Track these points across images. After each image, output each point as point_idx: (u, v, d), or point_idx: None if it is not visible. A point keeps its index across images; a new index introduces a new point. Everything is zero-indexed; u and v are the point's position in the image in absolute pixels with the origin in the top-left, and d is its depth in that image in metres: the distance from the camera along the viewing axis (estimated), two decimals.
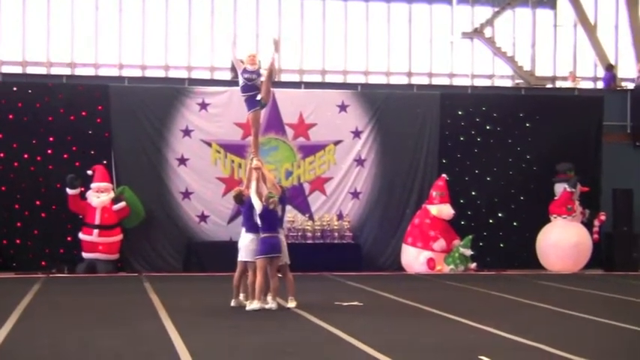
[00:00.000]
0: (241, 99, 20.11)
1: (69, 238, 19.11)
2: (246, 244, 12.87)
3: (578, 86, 25.30)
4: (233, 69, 22.06)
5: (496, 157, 21.02)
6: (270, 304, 12.64)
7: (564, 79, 27.26)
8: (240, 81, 13.35)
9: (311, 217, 19.93)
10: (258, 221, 12.64)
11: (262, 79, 13.26)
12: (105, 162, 19.23)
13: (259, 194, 12.74)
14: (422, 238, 19.66)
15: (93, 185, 18.83)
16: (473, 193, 20.93)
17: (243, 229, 13.04)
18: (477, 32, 26.48)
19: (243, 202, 13.08)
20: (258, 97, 13.26)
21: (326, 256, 19.27)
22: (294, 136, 20.17)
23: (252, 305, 12.47)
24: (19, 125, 19.14)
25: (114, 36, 25.65)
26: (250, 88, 13.29)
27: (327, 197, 20.26)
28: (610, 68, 25.94)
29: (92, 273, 18.44)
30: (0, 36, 25.11)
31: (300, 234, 19.55)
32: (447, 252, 19.69)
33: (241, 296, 13.05)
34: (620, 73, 26.55)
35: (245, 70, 13.28)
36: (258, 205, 12.59)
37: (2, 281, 17.24)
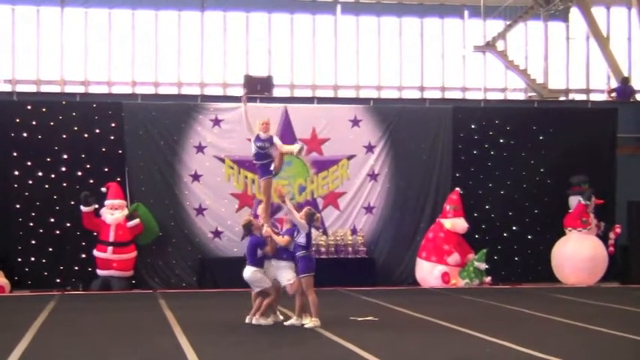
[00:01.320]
0: (253, 114, 20.33)
1: (83, 256, 19.18)
2: (250, 275, 12.90)
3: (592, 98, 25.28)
4: (245, 86, 22.21)
5: (510, 171, 20.99)
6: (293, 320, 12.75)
7: (577, 91, 27.25)
8: (253, 148, 13.41)
9: (325, 232, 19.94)
10: (302, 241, 12.65)
11: (276, 145, 13.24)
12: (119, 179, 19.31)
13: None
14: (436, 252, 19.63)
15: (107, 202, 18.90)
16: (487, 206, 20.90)
17: (248, 263, 13.02)
18: (489, 45, 26.51)
19: (250, 233, 13.04)
20: (271, 168, 13.27)
21: (340, 271, 19.25)
22: (307, 151, 20.19)
23: (314, 323, 12.43)
24: (34, 143, 19.26)
25: (127, 54, 25.81)
26: (263, 156, 13.39)
27: (341, 212, 20.28)
28: (625, 81, 25.91)
29: (107, 290, 18.49)
30: (14, 55, 25.31)
31: (313, 249, 19.45)
32: (461, 266, 19.65)
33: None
34: (633, 85, 26.48)
35: (258, 138, 13.33)
36: (304, 228, 12.62)
37: (17, 299, 17.32)
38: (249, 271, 12.93)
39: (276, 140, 13.47)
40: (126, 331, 12.25)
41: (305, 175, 20.16)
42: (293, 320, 12.77)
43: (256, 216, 14.07)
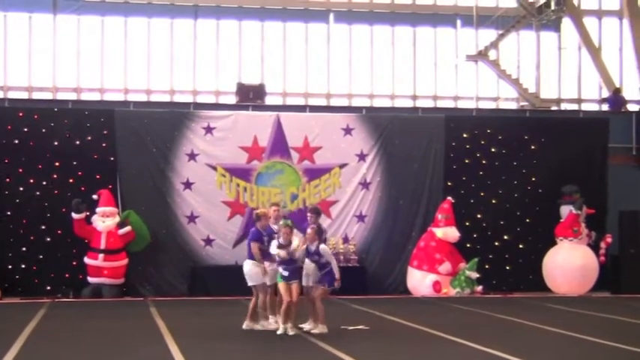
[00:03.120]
0: (246, 122, 20.38)
1: (74, 263, 19.11)
2: (248, 268, 12.98)
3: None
4: (238, 93, 22.22)
5: (501, 180, 21.03)
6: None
7: (569, 101, 27.33)
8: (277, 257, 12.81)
9: None
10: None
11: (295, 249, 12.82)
12: (110, 186, 19.27)
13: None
14: (427, 261, 19.64)
15: (98, 210, 18.87)
16: (478, 215, 20.92)
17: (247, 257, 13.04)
18: (482, 55, 26.59)
19: (254, 224, 13.09)
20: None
21: None
22: (299, 159, 20.21)
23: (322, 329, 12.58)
24: (25, 150, 19.23)
25: (119, 61, 25.81)
26: (286, 260, 12.68)
27: (333, 220, 20.26)
28: (617, 92, 25.99)
29: (97, 297, 18.44)
30: (6, 62, 25.28)
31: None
32: (452, 275, 19.65)
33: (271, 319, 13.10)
34: (625, 95, 26.58)
35: (280, 245, 12.70)
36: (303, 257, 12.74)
37: (8, 306, 17.25)
38: (247, 265, 12.99)
39: (295, 244, 12.84)
40: (117, 338, 12.21)
41: (297, 183, 20.16)
42: (309, 326, 12.79)
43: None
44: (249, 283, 13.03)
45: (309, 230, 12.83)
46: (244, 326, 12.98)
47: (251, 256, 12.97)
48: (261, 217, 13.09)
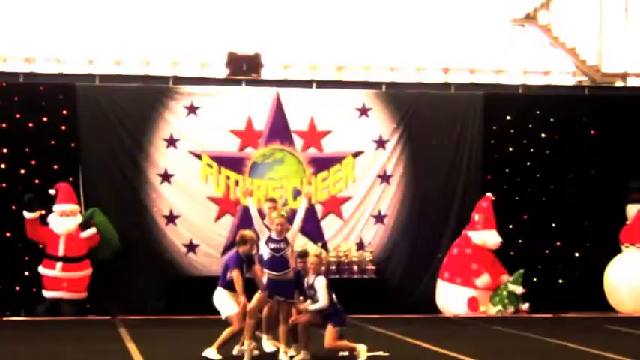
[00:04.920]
0: (238, 100, 20.39)
1: (26, 273, 19.23)
2: (215, 297, 13.24)
3: None
4: (228, 65, 22.24)
5: (553, 173, 21.06)
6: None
7: (638, 75, 27.31)
8: (266, 253, 12.96)
9: (324, 247, 19.97)
10: None
11: (291, 245, 13.04)
12: (71, 179, 19.38)
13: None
14: (462, 273, 19.71)
15: (56, 208, 18.96)
16: (524, 216, 20.97)
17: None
18: (530, 18, 26.54)
19: (237, 246, 13.19)
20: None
21: (343, 294, 19.10)
22: (303, 146, 20.29)
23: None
24: None
25: (83, 24, 25.85)
26: (279, 262, 12.85)
27: (345, 222, 20.34)
28: None
29: (55, 315, 18.54)
30: None
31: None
32: (492, 289, 19.71)
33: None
34: None
35: (270, 239, 12.95)
36: None
37: None
38: (221, 294, 13.11)
39: (292, 240, 13.09)
40: None
41: (301, 175, 20.21)
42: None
43: None
44: (224, 315, 13.07)
45: (312, 259, 12.86)
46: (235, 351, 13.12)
47: (226, 285, 13.00)
48: (247, 241, 13.05)
